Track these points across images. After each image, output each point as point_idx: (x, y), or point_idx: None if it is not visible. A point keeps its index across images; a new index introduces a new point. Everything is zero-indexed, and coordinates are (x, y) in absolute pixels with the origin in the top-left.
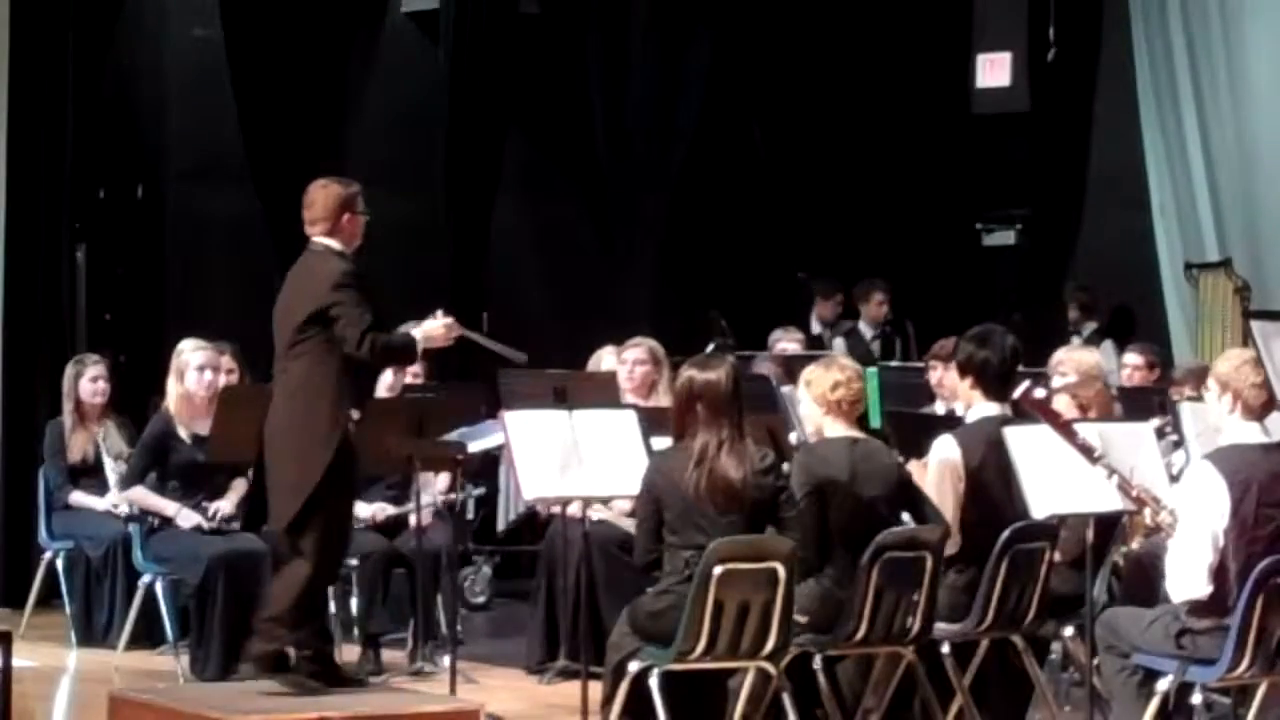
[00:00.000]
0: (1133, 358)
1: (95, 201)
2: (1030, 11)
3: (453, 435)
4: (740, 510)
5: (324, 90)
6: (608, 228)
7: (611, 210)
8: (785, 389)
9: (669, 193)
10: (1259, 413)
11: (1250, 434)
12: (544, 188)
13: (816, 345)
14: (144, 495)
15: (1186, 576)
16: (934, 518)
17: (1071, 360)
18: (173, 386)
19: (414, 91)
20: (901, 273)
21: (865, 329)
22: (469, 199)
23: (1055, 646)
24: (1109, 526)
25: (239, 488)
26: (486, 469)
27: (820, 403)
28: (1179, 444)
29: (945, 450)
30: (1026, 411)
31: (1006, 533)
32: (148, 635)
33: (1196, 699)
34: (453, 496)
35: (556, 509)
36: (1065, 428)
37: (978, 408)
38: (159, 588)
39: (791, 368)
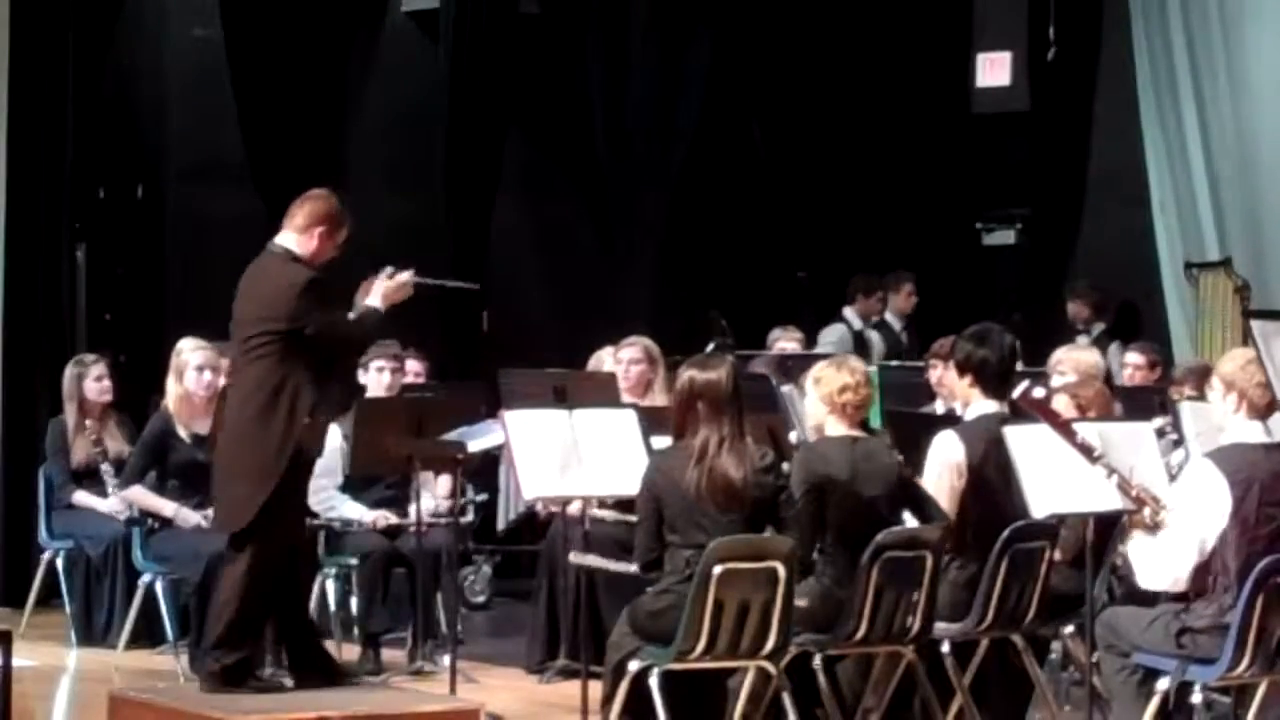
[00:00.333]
0: (1134, 357)
1: (95, 201)
2: (1030, 11)
3: (452, 435)
4: (741, 509)
5: (324, 90)
6: (607, 227)
7: (611, 210)
8: (785, 388)
9: (669, 192)
10: (1264, 412)
11: (1254, 433)
12: (544, 187)
13: (859, 341)
14: (143, 495)
15: (1162, 568)
16: (937, 516)
17: (1071, 359)
18: (172, 386)
19: (414, 91)
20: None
21: (893, 320)
22: (469, 199)
23: (1055, 646)
24: (1109, 526)
25: None
26: (486, 468)
27: (826, 402)
28: (1179, 443)
29: (946, 446)
30: (1025, 410)
31: (1006, 532)
32: (148, 635)
33: (1196, 698)
34: (453, 502)
35: (556, 509)
36: (1064, 427)
37: (976, 406)
38: (159, 587)
39: (787, 366)
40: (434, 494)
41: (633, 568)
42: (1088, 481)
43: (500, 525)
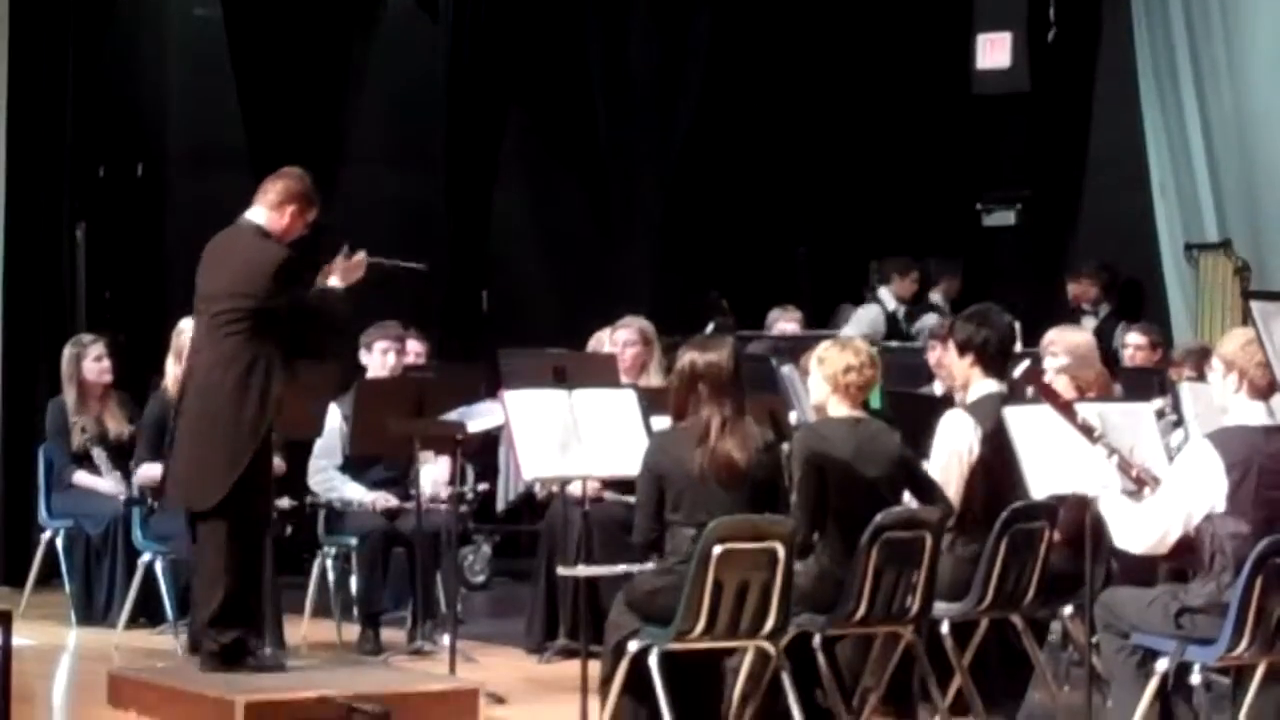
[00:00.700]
0: (1135, 338)
1: (95, 180)
2: None
3: (452, 415)
4: (743, 490)
5: (324, 69)
6: (607, 207)
7: (611, 190)
8: (785, 369)
9: (668, 172)
10: (1265, 392)
11: (1256, 414)
12: (543, 167)
13: (893, 323)
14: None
15: (1140, 531)
16: (937, 498)
17: (1063, 340)
18: (172, 367)
19: (414, 71)
20: (902, 252)
21: (940, 301)
22: (469, 179)
23: (1055, 626)
24: None
25: None
26: (486, 449)
27: (829, 382)
28: (1178, 424)
29: (957, 426)
30: (1024, 391)
31: (1005, 512)
32: (147, 614)
33: (1195, 679)
34: (453, 485)
35: (555, 489)
36: (1065, 407)
37: (977, 386)
38: (158, 567)
39: (785, 347)
40: (434, 478)
41: (621, 568)
42: (1087, 462)
43: (500, 505)
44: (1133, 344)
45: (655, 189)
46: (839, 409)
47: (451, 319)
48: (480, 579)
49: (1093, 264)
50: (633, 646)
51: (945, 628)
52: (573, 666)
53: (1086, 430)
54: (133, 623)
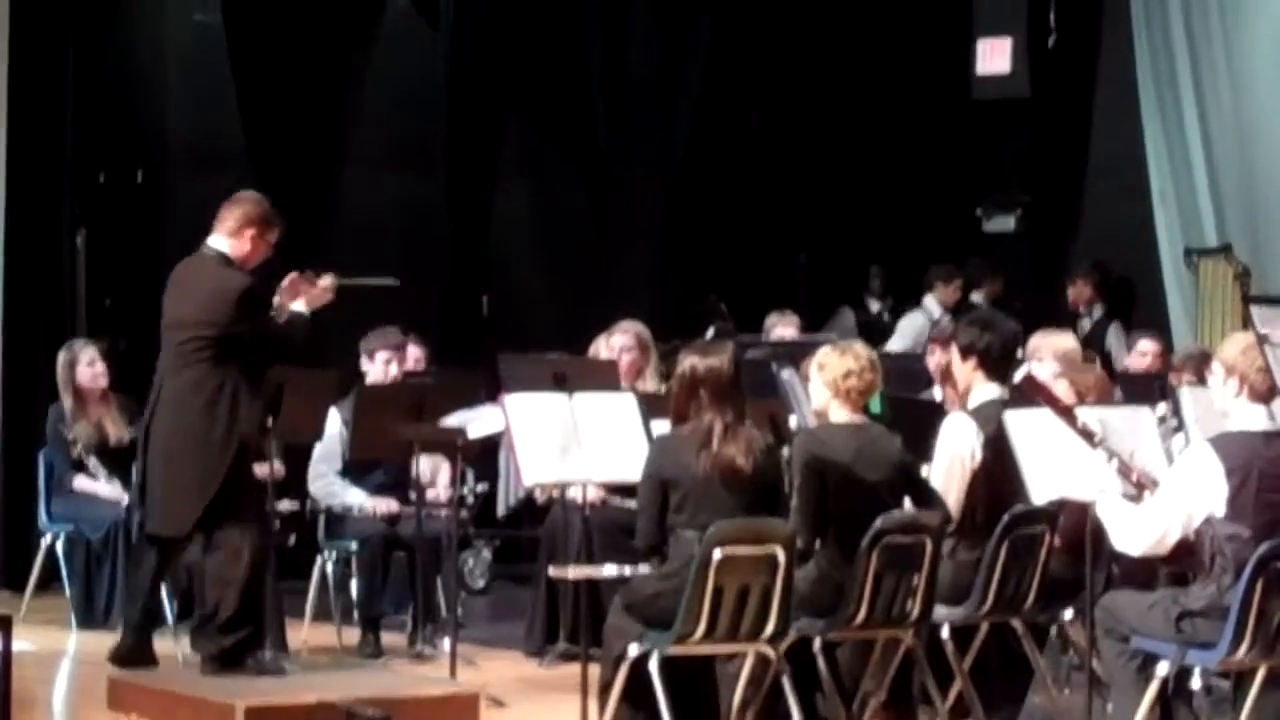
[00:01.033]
0: (1148, 345)
1: (95, 186)
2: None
3: (452, 418)
4: (744, 494)
5: (324, 74)
6: (607, 211)
7: (611, 194)
8: (785, 373)
9: (669, 177)
10: (1265, 396)
11: (1256, 418)
12: (544, 172)
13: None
14: None
15: (1138, 532)
16: (936, 503)
17: (1049, 345)
18: None
19: (414, 75)
20: (902, 257)
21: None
22: (469, 183)
23: (1055, 630)
24: None
25: None
26: (486, 453)
27: (830, 387)
28: (1179, 429)
29: (958, 430)
30: (1026, 395)
31: (1006, 517)
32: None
33: (1196, 683)
34: (453, 490)
35: (556, 493)
36: (1066, 412)
37: (979, 390)
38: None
39: (783, 353)
40: (437, 490)
41: (613, 570)
42: (1088, 466)
43: (500, 510)
44: (1149, 351)
45: (656, 192)
46: (840, 414)
47: (451, 323)
48: (481, 583)
49: (1085, 264)
50: (633, 650)
51: (946, 632)
52: (573, 670)
53: (1087, 435)
54: None
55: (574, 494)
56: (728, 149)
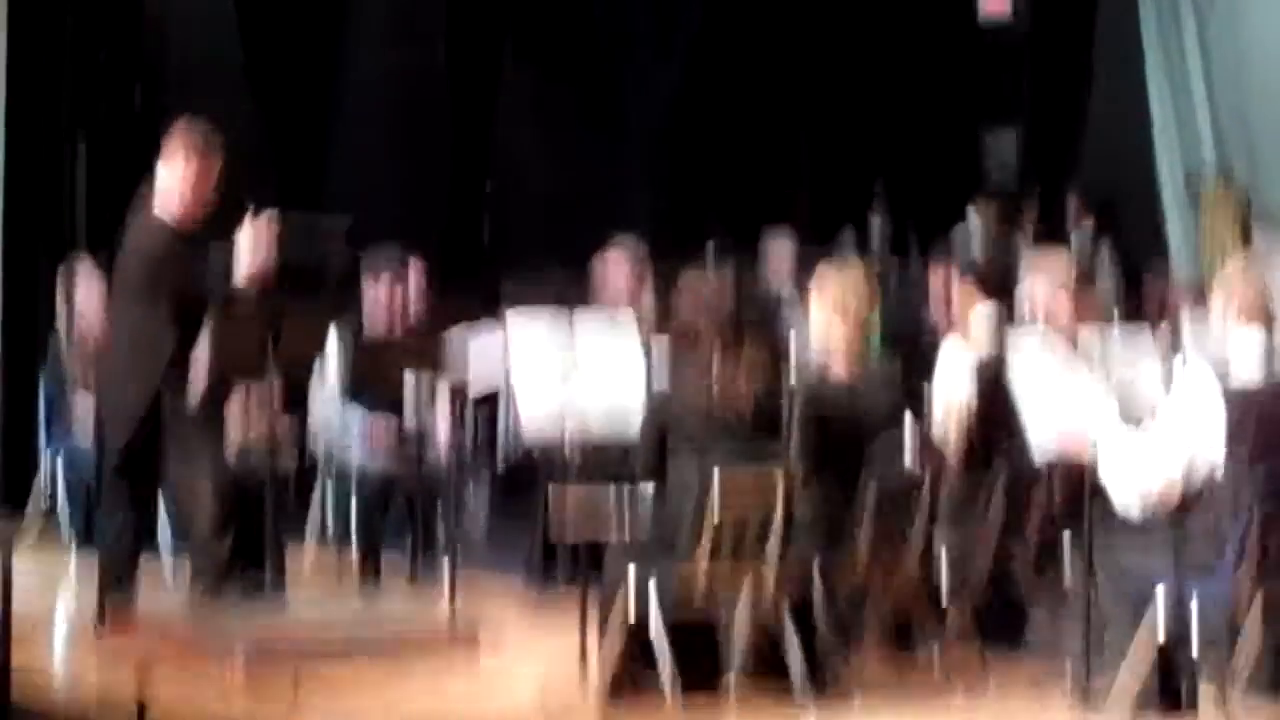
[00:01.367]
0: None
1: (95, 103)
2: None
3: (453, 332)
4: (744, 423)
5: None
6: (609, 130)
7: (613, 113)
8: (786, 296)
9: (671, 96)
10: (1258, 316)
11: (1251, 341)
12: (545, 97)
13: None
14: None
15: (1141, 474)
16: (936, 443)
17: (1045, 264)
18: None
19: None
20: (901, 175)
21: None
22: (470, 102)
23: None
24: None
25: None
26: (487, 398)
27: (830, 306)
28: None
29: (955, 360)
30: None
31: (1007, 444)
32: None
33: (1193, 608)
34: (454, 433)
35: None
36: (1068, 333)
37: (979, 311)
38: (159, 494)
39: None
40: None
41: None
42: (1089, 402)
43: (499, 459)
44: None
45: (657, 115)
46: (839, 333)
47: (452, 245)
48: (481, 519)
49: (1078, 185)
50: (632, 574)
51: (944, 558)
52: (572, 599)
53: (1087, 358)
54: None
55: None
56: (729, 74)
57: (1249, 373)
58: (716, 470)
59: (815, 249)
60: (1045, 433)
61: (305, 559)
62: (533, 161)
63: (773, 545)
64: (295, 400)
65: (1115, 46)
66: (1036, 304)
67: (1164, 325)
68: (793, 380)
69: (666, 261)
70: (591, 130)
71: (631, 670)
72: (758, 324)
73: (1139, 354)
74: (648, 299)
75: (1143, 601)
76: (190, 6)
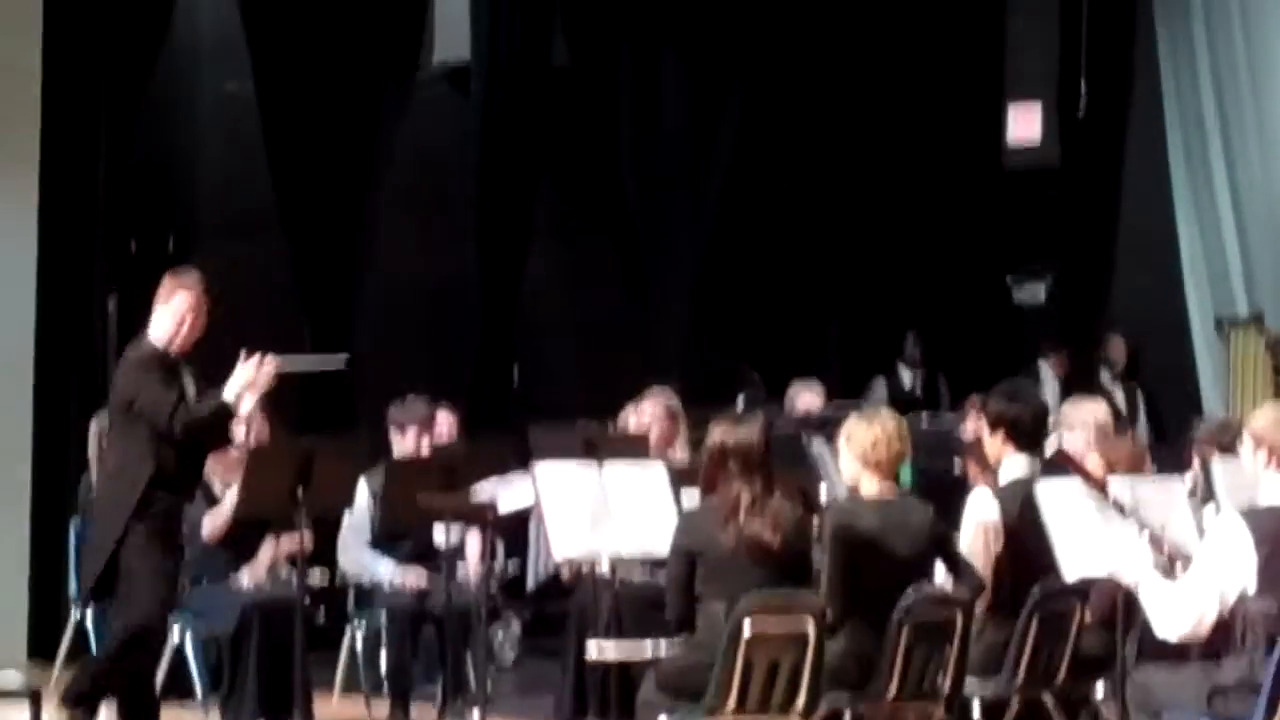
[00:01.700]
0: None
1: (127, 253)
2: (1061, 65)
3: (482, 486)
4: (772, 567)
5: (355, 142)
6: (639, 279)
7: (643, 261)
8: (816, 445)
9: (700, 245)
10: None
11: None
12: (575, 240)
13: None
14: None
15: (1178, 618)
16: (970, 577)
17: (1079, 415)
18: None
19: (445, 144)
20: (929, 325)
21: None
22: (500, 247)
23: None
24: None
25: (269, 546)
26: (516, 524)
27: (859, 459)
28: (1209, 499)
29: (982, 506)
30: (1058, 466)
31: (1036, 590)
32: (175, 689)
33: None
34: (483, 565)
35: (585, 569)
36: (1098, 484)
37: (1009, 463)
38: (187, 639)
39: (816, 423)
40: (464, 552)
41: (650, 650)
42: (1120, 539)
43: (530, 583)
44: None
45: (687, 261)
46: (870, 484)
47: (482, 391)
48: (510, 657)
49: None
50: None
51: (977, 707)
52: None
53: (1117, 507)
54: (163, 696)
55: (604, 568)
56: (758, 218)
57: None
58: (746, 618)
59: (846, 401)
60: (1078, 562)
61: (334, 705)
62: (562, 309)
63: (804, 695)
64: (323, 551)
65: (1144, 187)
66: (1069, 454)
67: (1194, 470)
68: (823, 526)
69: (698, 410)
70: (623, 283)
71: None
72: (787, 470)
73: (1170, 503)
74: (682, 451)
75: None
76: (223, 158)
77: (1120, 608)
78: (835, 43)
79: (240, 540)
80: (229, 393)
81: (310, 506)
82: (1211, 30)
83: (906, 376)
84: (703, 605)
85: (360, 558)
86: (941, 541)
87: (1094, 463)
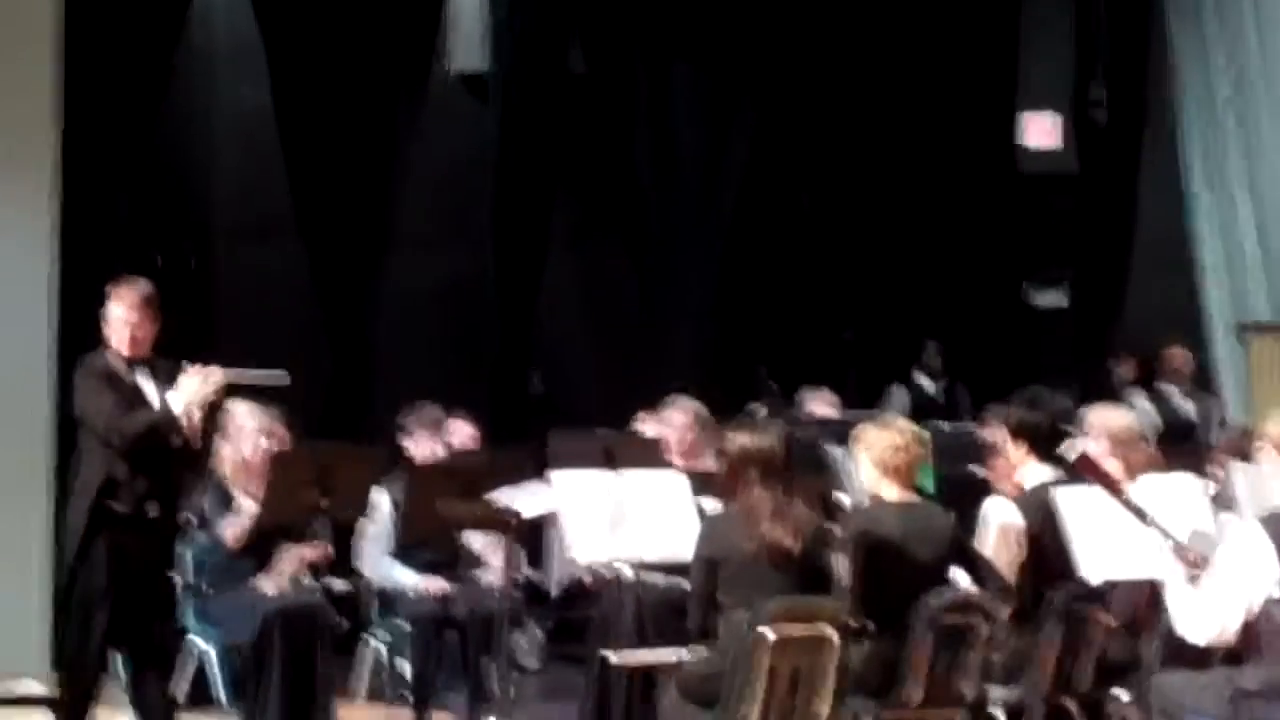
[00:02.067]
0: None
1: (149, 266)
2: (1077, 72)
3: (501, 494)
4: (793, 573)
5: (373, 150)
6: (655, 287)
7: (660, 268)
8: (836, 451)
9: (717, 251)
10: None
11: None
12: (592, 247)
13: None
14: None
15: (1205, 622)
16: (993, 580)
17: (1101, 422)
18: (226, 450)
19: (462, 152)
20: (945, 333)
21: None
22: (517, 256)
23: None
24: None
25: (291, 554)
26: (537, 531)
27: (877, 465)
28: (1229, 505)
29: (1003, 514)
30: (1080, 472)
31: (1059, 597)
32: (198, 698)
33: None
34: (506, 570)
35: (607, 574)
36: (1117, 489)
37: (1029, 470)
38: (210, 648)
39: (829, 430)
40: (485, 559)
41: (672, 657)
42: (1140, 544)
43: (553, 590)
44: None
45: (704, 267)
46: (890, 491)
47: (500, 400)
48: (533, 664)
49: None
50: None
51: (1000, 713)
52: None
53: (1138, 513)
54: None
55: (627, 574)
56: (774, 226)
57: None
58: (767, 625)
59: (862, 411)
60: (1100, 564)
61: (356, 713)
62: (579, 317)
63: (826, 703)
64: (341, 561)
65: (1161, 193)
66: (1088, 462)
67: (1214, 473)
68: (843, 532)
69: (715, 418)
70: (640, 291)
71: None
72: (807, 476)
73: (1187, 503)
74: (707, 459)
75: None
76: (242, 171)
77: (1143, 612)
78: (851, 50)
79: (262, 548)
80: (175, 401)
81: (332, 514)
82: (1227, 36)
83: (927, 385)
84: (724, 612)
85: (381, 566)
86: (963, 547)
87: (1114, 468)
